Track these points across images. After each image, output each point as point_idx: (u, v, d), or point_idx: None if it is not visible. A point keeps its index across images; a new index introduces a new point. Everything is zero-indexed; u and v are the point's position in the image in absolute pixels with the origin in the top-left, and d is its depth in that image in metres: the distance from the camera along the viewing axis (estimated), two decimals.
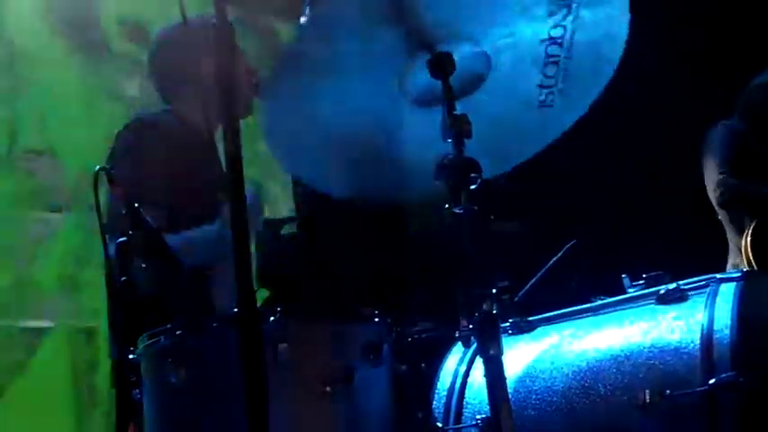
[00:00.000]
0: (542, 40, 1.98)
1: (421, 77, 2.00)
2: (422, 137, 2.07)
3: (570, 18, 1.94)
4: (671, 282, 2.11)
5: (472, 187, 1.88)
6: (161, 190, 2.73)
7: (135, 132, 2.92)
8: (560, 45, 1.98)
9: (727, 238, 4.06)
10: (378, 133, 2.09)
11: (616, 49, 2.01)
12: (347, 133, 2.07)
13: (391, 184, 2.21)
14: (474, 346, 1.83)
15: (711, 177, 4.02)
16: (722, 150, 4.05)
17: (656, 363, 1.94)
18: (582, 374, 2.03)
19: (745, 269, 3.11)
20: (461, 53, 1.98)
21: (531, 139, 2.15)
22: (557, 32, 1.96)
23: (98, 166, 2.26)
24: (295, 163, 2.17)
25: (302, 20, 1.89)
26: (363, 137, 2.08)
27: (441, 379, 2.27)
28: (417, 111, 2.07)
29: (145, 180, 2.70)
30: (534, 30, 1.96)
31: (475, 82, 2.04)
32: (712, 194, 4.01)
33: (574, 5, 1.93)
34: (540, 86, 2.05)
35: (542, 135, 2.15)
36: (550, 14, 1.94)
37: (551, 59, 2.01)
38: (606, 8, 1.95)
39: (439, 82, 1.96)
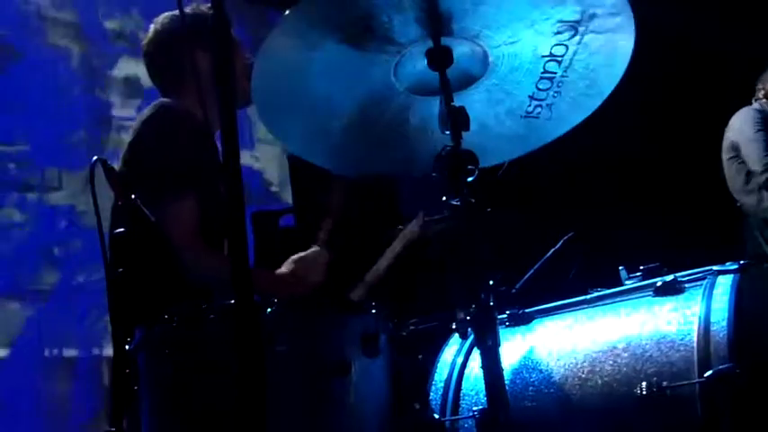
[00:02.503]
0: (543, 56, 1.99)
1: (416, 66, 2.01)
2: (417, 121, 2.07)
3: (575, 40, 1.95)
4: (668, 274, 2.11)
5: (469, 179, 1.89)
6: (194, 175, 2.72)
7: (167, 119, 2.88)
8: (559, 63, 2.00)
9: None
10: (372, 109, 2.08)
11: (612, 80, 2.04)
12: (341, 107, 2.07)
13: (389, 162, 2.20)
14: (471, 337, 1.84)
15: (753, 159, 4.03)
16: (766, 134, 4.08)
17: (653, 354, 1.94)
18: (579, 366, 2.03)
19: None
20: (462, 49, 1.99)
21: (508, 145, 2.17)
22: (558, 50, 1.98)
23: (95, 157, 2.25)
24: (288, 136, 2.17)
25: None
26: (357, 112, 2.08)
27: (438, 370, 2.27)
28: (413, 97, 2.07)
29: (180, 166, 2.69)
30: (538, 43, 1.97)
31: (468, 80, 2.05)
32: (760, 178, 4.02)
33: (581, 29, 1.94)
34: (531, 97, 2.07)
35: (521, 144, 2.18)
36: (557, 33, 1.95)
37: (547, 75, 2.02)
38: (612, 37, 1.96)
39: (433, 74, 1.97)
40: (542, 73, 2.03)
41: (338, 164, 2.23)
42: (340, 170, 2.30)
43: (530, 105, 2.09)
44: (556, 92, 2.05)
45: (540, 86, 2.05)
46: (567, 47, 1.97)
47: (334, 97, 2.04)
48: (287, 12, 1.88)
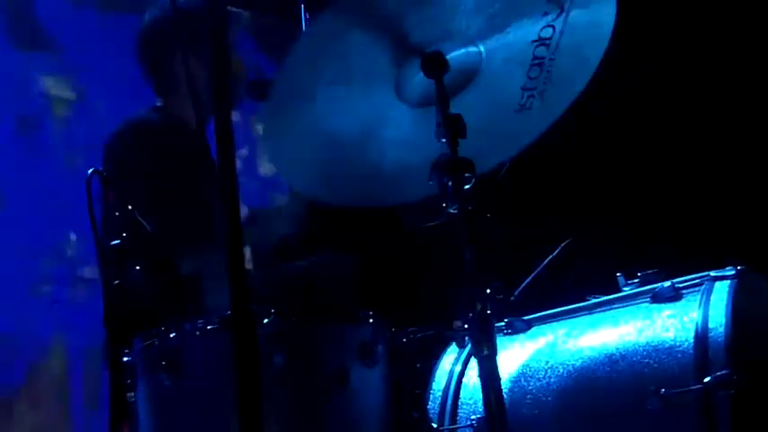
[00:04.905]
0: (533, 41, 1.98)
1: (416, 79, 2.01)
2: (422, 140, 2.07)
3: (561, 18, 1.95)
4: (665, 280, 2.11)
5: (466, 187, 1.88)
6: (155, 197, 2.71)
7: (125, 140, 2.87)
8: (547, 47, 1.99)
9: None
10: (376, 139, 2.09)
11: (597, 52, 2.03)
12: (347, 142, 2.07)
13: (389, 190, 2.21)
14: (469, 346, 1.83)
15: None
16: None
17: (651, 361, 1.94)
18: (577, 374, 2.03)
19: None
20: (455, 52, 1.99)
21: (505, 143, 2.16)
22: (546, 33, 1.97)
23: (92, 169, 2.25)
24: (296, 175, 2.17)
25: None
26: (362, 144, 2.08)
27: (436, 379, 2.27)
28: (418, 115, 2.07)
29: (138, 188, 2.68)
30: (526, 30, 1.96)
31: (465, 82, 2.04)
32: None
33: (567, 5, 1.93)
34: (523, 89, 2.06)
35: (517, 140, 2.16)
36: (545, 14, 1.95)
37: (537, 61, 2.02)
38: (594, 9, 1.96)
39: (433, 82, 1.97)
40: (532, 60, 2.01)
41: (343, 198, 2.23)
42: (345, 203, 2.29)
43: (522, 97, 2.07)
44: (546, 78, 2.03)
45: (531, 74, 2.03)
46: (554, 27, 1.96)
47: (339, 131, 2.05)
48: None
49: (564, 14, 1.94)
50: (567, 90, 2.08)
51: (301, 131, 2.03)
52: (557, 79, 2.04)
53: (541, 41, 1.98)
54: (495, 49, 2.00)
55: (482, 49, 2.00)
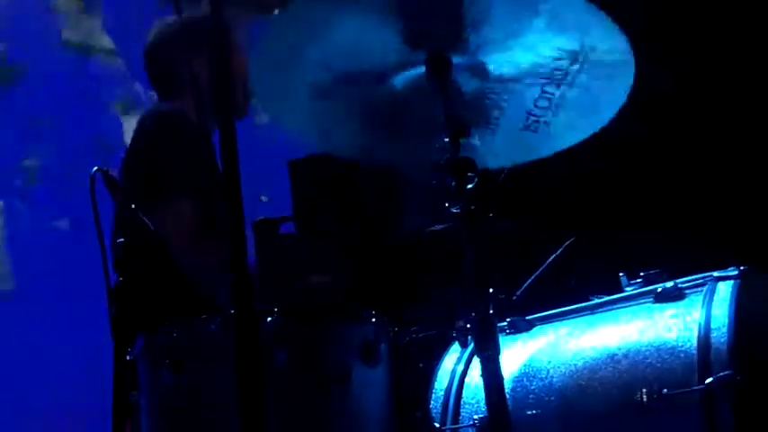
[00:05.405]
0: (542, 76, 1.99)
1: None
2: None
3: (575, 68, 1.95)
4: (668, 280, 2.11)
5: (469, 186, 1.88)
6: (191, 180, 2.73)
7: (161, 123, 2.89)
8: (558, 86, 1.99)
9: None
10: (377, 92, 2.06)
11: (610, 110, 2.03)
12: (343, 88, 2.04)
13: (391, 147, 2.19)
14: (471, 345, 1.83)
15: None
16: None
17: (654, 361, 1.94)
18: (579, 373, 2.03)
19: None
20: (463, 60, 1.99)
21: (509, 153, 2.17)
22: (557, 75, 1.98)
23: (96, 168, 2.25)
24: (289, 118, 2.15)
25: None
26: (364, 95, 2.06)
27: (438, 379, 2.27)
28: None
29: (174, 170, 2.70)
30: (537, 65, 1.97)
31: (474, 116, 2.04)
32: None
33: (580, 58, 1.93)
34: (528, 113, 2.06)
35: (515, 154, 2.18)
36: (556, 59, 1.95)
37: (546, 95, 2.02)
38: (610, 71, 1.97)
39: None
40: (541, 93, 2.02)
41: (342, 148, 2.21)
42: (343, 153, 2.27)
43: (528, 120, 2.08)
44: (554, 112, 2.04)
45: (539, 104, 2.04)
46: (566, 72, 1.97)
47: (335, 79, 2.03)
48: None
49: (577, 65, 1.94)
50: (575, 129, 2.09)
51: (294, 82, 2.01)
52: (564, 117, 2.05)
53: (551, 80, 1.98)
54: (504, 68, 2.01)
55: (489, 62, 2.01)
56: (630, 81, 1.98)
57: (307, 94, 2.03)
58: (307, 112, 2.08)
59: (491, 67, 2.00)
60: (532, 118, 2.06)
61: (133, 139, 2.91)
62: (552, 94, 2.01)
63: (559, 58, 1.95)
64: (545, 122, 2.07)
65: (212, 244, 2.74)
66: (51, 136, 4.34)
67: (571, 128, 2.09)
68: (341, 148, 2.20)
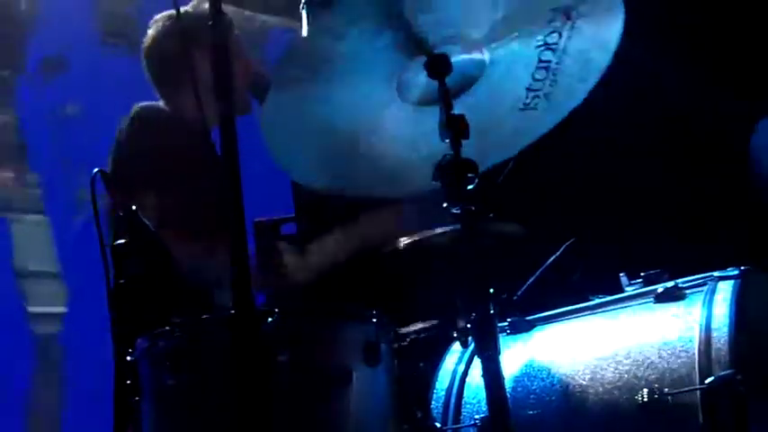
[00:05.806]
0: (538, 46, 1.99)
1: (420, 78, 2.01)
2: (417, 136, 2.08)
3: (568, 26, 1.95)
4: (669, 280, 2.11)
5: (469, 187, 1.89)
6: (165, 183, 2.73)
7: (139, 123, 2.91)
8: (553, 51, 1.99)
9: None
10: (370, 130, 2.09)
11: (604, 57, 2.03)
12: (342, 130, 2.08)
13: (383, 181, 2.21)
14: (472, 345, 1.83)
15: None
16: None
17: (654, 361, 1.94)
18: (580, 373, 2.03)
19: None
20: (459, 54, 1.99)
21: (508, 140, 2.16)
22: (552, 38, 1.97)
23: (96, 169, 2.25)
24: (290, 160, 2.17)
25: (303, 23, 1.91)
26: (356, 134, 2.09)
27: (439, 379, 2.27)
28: (415, 111, 2.07)
29: (149, 174, 2.70)
30: (532, 34, 1.97)
31: (467, 84, 2.05)
32: None
33: (573, 13, 1.94)
34: (528, 89, 2.06)
35: (520, 138, 2.17)
36: (550, 21, 1.95)
37: (543, 64, 2.02)
38: (601, 18, 1.96)
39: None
40: (538, 63, 2.02)
41: (341, 186, 2.23)
42: (342, 191, 2.29)
43: (527, 97, 2.08)
44: (552, 81, 2.04)
45: (537, 77, 2.04)
46: (560, 33, 1.97)
47: (337, 120, 2.05)
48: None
49: (570, 22, 1.94)
50: (573, 92, 2.08)
51: (299, 122, 2.04)
52: (563, 82, 2.04)
53: (547, 46, 1.98)
54: (500, 52, 2.01)
55: (486, 54, 2.00)
56: (620, 25, 1.98)
57: (309, 134, 2.07)
58: (308, 154, 2.12)
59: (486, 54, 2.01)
60: (532, 94, 2.06)
61: (115, 139, 2.94)
62: (549, 60, 2.01)
63: (552, 20, 1.95)
64: (544, 95, 2.06)
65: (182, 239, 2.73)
66: None
67: (570, 94, 2.08)
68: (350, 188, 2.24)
